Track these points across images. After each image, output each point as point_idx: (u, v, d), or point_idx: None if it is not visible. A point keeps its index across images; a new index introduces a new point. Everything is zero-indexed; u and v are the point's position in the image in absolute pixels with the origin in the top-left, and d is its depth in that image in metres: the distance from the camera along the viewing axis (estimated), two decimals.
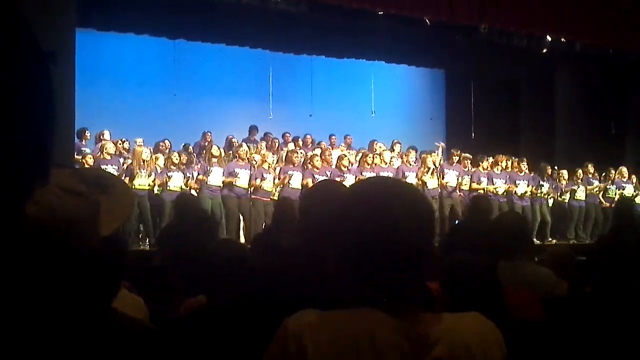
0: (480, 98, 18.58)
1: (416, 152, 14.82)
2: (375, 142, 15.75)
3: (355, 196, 1.64)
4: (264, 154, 13.50)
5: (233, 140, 14.85)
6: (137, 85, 16.72)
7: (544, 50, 16.98)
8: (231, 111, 17.29)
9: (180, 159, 12.93)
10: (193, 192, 12.92)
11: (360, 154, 14.86)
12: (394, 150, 15.35)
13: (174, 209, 9.27)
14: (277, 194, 13.16)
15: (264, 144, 15.07)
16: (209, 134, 15.29)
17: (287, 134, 16.26)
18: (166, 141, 14.23)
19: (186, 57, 16.96)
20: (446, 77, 20.63)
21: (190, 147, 14.76)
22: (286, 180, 13.03)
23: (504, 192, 14.71)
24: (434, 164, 14.18)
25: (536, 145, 17.83)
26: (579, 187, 15.45)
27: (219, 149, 13.24)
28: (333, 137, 16.72)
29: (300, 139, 16.12)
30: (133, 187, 12.10)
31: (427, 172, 14.06)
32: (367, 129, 16.96)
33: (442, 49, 17.64)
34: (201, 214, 6.76)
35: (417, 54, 18.03)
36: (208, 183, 12.76)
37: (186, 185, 12.81)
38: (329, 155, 14.28)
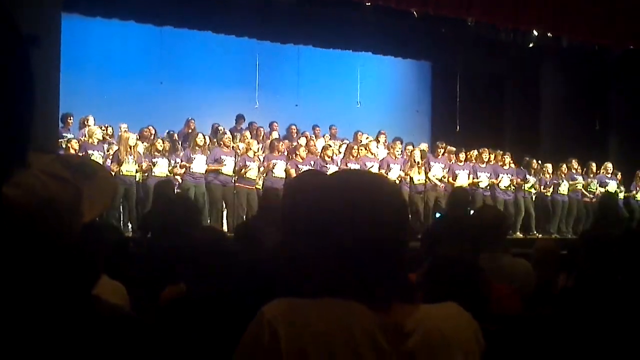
0: (466, 91, 18.62)
1: (402, 144, 14.86)
2: (360, 132, 15.77)
3: (330, 189, 1.66)
4: (248, 142, 13.52)
5: (219, 128, 14.82)
6: (122, 72, 16.63)
7: (530, 45, 17.09)
8: (217, 99, 17.23)
9: (164, 146, 12.93)
10: (178, 179, 12.93)
11: (345, 145, 14.88)
12: (379, 141, 15.37)
13: (154, 195, 9.28)
14: (260, 183, 13.22)
15: (248, 132, 15.03)
16: (192, 121, 15.27)
17: (275, 123, 16.27)
18: (150, 127, 14.19)
19: (173, 45, 16.90)
20: (432, 69, 20.64)
21: (175, 135, 14.73)
22: (270, 168, 13.06)
23: (487, 186, 14.78)
24: (420, 158, 14.22)
25: (521, 140, 17.91)
26: (562, 181, 15.54)
27: (204, 137, 13.21)
28: (317, 128, 16.73)
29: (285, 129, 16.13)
30: (121, 173, 12.16)
31: (414, 166, 14.10)
32: (352, 120, 16.98)
33: (429, 41, 17.69)
34: (182, 200, 6.75)
35: (403, 45, 18.05)
36: (191, 170, 12.76)
37: (171, 172, 12.81)
38: (313, 146, 14.31)
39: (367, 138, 15.46)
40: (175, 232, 4.64)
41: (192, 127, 15.04)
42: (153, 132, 14.18)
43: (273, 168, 13.04)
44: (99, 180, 1.60)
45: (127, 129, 13.60)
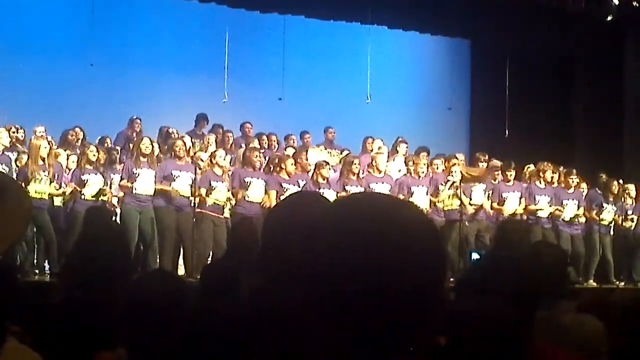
0: (518, 81, 18.66)
1: (427, 156, 14.89)
2: (371, 139, 15.77)
3: (331, 221, 1.67)
4: (213, 153, 13.47)
5: (170, 131, 14.81)
6: (39, 50, 16.64)
7: (609, 18, 17.11)
8: (170, 91, 17.25)
9: (98, 156, 12.87)
10: (115, 202, 12.95)
11: (342, 158, 14.80)
12: (397, 153, 15.36)
13: (83, 227, 9.29)
14: (229, 209, 13.24)
15: (212, 137, 15.01)
16: (138, 121, 15.26)
17: (248, 125, 16.26)
18: (77, 129, 14.21)
19: (108, 11, 16.91)
20: (472, 50, 20.70)
21: (108, 140, 14.70)
22: (240, 193, 12.99)
23: (549, 215, 14.75)
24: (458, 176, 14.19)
25: (595, 150, 17.94)
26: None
27: (151, 142, 13.15)
28: (307, 135, 16.64)
29: (264, 135, 16.01)
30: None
31: (449, 187, 14.07)
32: (359, 121, 17.05)
33: (468, 12, 17.72)
34: (121, 234, 6.78)
35: (432, 17, 18.10)
36: (135, 191, 12.68)
37: (104, 193, 12.77)
38: (305, 159, 14.24)
39: (379, 148, 15.44)
40: (113, 277, 4.68)
41: (138, 130, 15.01)
42: (80, 136, 14.18)
43: (248, 190, 13.03)
44: (8, 202, 1.66)
45: (42, 133, 13.59)
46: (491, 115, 19.23)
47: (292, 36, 18.06)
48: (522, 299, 3.86)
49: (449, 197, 14.12)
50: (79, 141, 13.99)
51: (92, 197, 12.50)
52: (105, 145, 14.33)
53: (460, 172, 14.12)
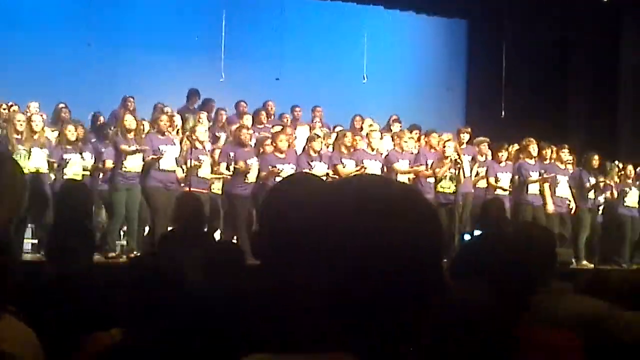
0: (514, 61, 18.66)
1: (419, 133, 14.88)
2: (359, 117, 15.76)
3: (333, 201, 1.66)
4: (193, 128, 13.39)
5: (165, 109, 14.77)
6: (36, 30, 16.62)
7: None
8: (167, 70, 17.23)
9: (77, 134, 12.71)
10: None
11: (336, 134, 14.78)
12: (390, 131, 15.33)
13: (55, 205, 9.28)
14: (221, 187, 13.31)
15: (204, 115, 14.96)
16: (131, 99, 15.21)
17: (243, 103, 16.22)
18: (60, 105, 14.22)
19: None
20: (469, 30, 20.70)
21: (102, 118, 14.66)
22: (246, 170, 13.02)
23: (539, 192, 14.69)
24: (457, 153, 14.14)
25: (591, 130, 17.95)
26: (630, 189, 15.47)
27: (135, 119, 12.94)
28: (297, 108, 16.65)
29: (261, 111, 15.95)
30: None
31: (447, 166, 13.97)
32: (355, 101, 17.02)
33: None
34: (87, 213, 6.83)
35: None
36: (123, 169, 12.58)
37: (90, 171, 12.75)
38: (291, 134, 14.21)
39: (370, 126, 15.48)
40: (74, 254, 4.66)
41: (131, 108, 14.99)
42: (68, 113, 14.19)
43: (247, 172, 13.02)
44: (3, 177, 1.62)
45: (37, 109, 13.65)
46: (488, 95, 19.25)
47: (289, 16, 18.06)
48: (513, 282, 3.84)
49: (449, 177, 14.07)
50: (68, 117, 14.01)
51: (74, 175, 12.40)
52: (98, 123, 14.28)
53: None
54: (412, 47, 20.31)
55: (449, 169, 13.83)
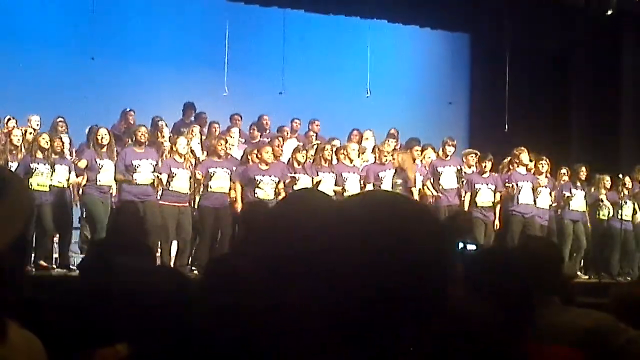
0: (518, 75, 18.64)
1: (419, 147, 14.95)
2: (357, 131, 15.81)
3: (349, 218, 1.65)
4: (174, 139, 13.42)
5: (160, 123, 14.79)
6: (40, 44, 16.64)
7: (609, 12, 17.08)
8: (170, 85, 17.23)
9: (52, 145, 12.56)
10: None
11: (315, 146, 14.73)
12: (389, 145, 15.28)
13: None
14: (196, 199, 13.43)
15: (197, 128, 14.98)
16: (132, 113, 15.26)
17: (237, 116, 16.21)
18: (58, 119, 14.32)
19: (109, 5, 16.91)
20: (472, 44, 20.70)
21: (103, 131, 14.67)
22: (204, 182, 13.12)
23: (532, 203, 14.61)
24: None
25: (594, 143, 17.94)
26: (625, 202, 15.38)
27: (108, 132, 13.00)
28: (297, 121, 16.68)
29: (253, 126, 16.07)
30: None
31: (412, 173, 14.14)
32: (359, 115, 17.00)
33: (467, 5, 17.70)
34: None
35: (432, 11, 18.09)
36: (99, 182, 12.62)
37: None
38: (278, 147, 14.18)
39: (366, 139, 15.68)
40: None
41: (131, 122, 15.02)
42: (64, 126, 14.24)
43: (210, 181, 13.13)
44: (13, 199, 1.60)
45: (37, 123, 13.88)
46: (491, 109, 19.24)
47: (292, 30, 18.08)
48: (517, 296, 3.82)
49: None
50: (65, 131, 14.06)
51: (38, 186, 12.30)
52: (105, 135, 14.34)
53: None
54: (415, 61, 20.34)
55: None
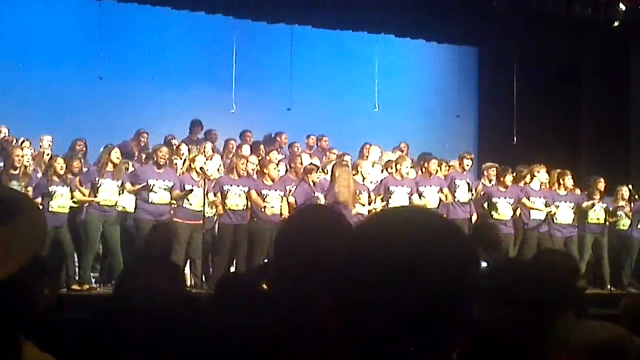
0: (525, 87, 18.63)
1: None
2: (368, 145, 15.86)
3: (379, 234, 1.67)
4: (193, 157, 13.37)
5: (173, 141, 14.83)
6: (47, 63, 16.66)
7: (616, 24, 17.07)
8: (178, 102, 17.22)
9: (66, 167, 12.64)
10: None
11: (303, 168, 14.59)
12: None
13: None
14: (214, 218, 13.40)
15: (209, 145, 15.04)
16: (145, 135, 15.27)
17: (248, 132, 16.25)
18: (80, 142, 14.27)
19: (116, 24, 16.92)
20: (479, 57, 20.70)
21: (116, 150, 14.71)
22: (219, 200, 13.02)
23: (545, 218, 14.69)
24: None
25: (603, 155, 17.89)
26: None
27: (119, 154, 12.98)
28: (312, 137, 16.84)
29: (273, 145, 16.05)
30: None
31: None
32: (368, 130, 17.00)
33: (475, 19, 17.69)
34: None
35: (439, 25, 18.08)
36: (100, 203, 12.57)
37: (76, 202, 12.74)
38: (299, 163, 14.16)
39: (370, 151, 15.67)
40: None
41: (145, 142, 15.03)
42: (84, 148, 14.20)
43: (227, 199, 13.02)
44: (25, 220, 1.61)
45: (50, 144, 13.75)
46: (499, 121, 19.22)
47: (299, 46, 18.08)
48: (532, 308, 3.82)
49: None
50: (83, 153, 14.01)
51: (59, 208, 12.37)
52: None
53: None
54: (423, 75, 20.32)
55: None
